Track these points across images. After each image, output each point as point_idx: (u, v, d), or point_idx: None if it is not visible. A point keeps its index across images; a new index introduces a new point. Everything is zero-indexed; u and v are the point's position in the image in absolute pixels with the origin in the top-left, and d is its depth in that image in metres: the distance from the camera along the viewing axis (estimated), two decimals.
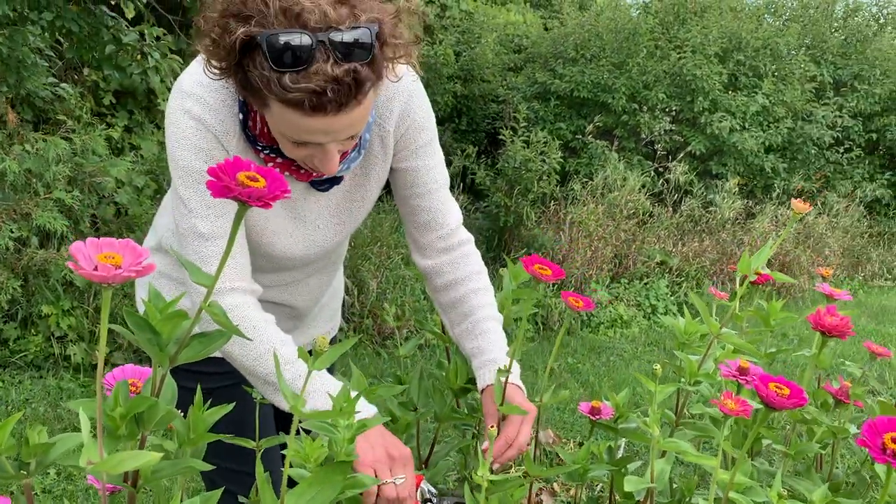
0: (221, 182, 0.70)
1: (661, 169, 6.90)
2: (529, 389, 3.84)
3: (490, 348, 1.26)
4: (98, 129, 4.69)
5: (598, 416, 1.36)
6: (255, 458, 1.15)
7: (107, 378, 0.89)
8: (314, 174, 1.19)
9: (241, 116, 1.13)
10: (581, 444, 3.12)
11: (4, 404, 3.38)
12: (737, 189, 6.77)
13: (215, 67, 1.01)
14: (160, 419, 0.79)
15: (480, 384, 1.25)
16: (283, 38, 0.92)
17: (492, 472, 1.06)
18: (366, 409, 1.11)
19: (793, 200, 1.16)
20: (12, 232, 3.56)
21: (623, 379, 4.16)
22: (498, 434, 1.19)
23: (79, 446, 0.86)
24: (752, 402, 1.10)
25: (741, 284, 1.18)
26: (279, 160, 1.16)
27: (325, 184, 1.24)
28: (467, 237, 1.36)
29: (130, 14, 4.68)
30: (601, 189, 6.24)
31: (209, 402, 0.89)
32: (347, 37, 0.94)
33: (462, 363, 1.30)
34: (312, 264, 1.36)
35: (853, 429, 1.33)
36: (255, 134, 1.14)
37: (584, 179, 6.47)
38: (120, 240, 0.67)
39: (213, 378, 1.29)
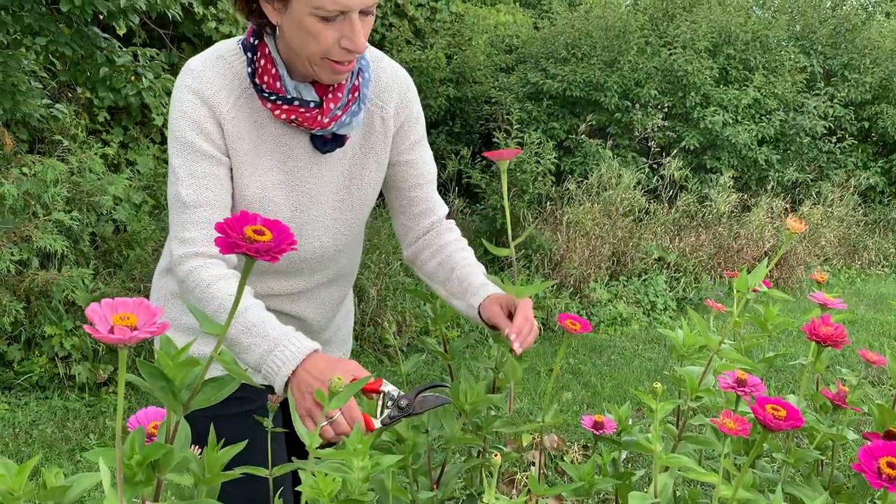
0: (229, 238, 0.72)
1: (655, 165, 6.93)
2: (532, 393, 3.84)
3: (479, 281, 1.36)
4: (94, 147, 4.71)
5: (601, 431, 1.39)
6: (269, 485, 1.17)
7: (130, 421, 0.91)
8: (319, 120, 1.25)
9: (248, 70, 1.23)
10: (585, 448, 3.15)
11: (11, 427, 3.40)
12: (731, 182, 6.80)
13: None
14: (176, 464, 0.82)
15: (478, 301, 1.32)
16: None
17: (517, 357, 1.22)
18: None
19: (787, 220, 1.18)
20: (13, 255, 3.58)
21: (625, 378, 4.19)
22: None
23: (95, 487, 0.89)
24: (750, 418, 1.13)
25: (738, 302, 1.21)
26: (285, 107, 1.24)
27: (330, 144, 1.30)
28: (452, 223, 1.48)
29: (122, 31, 4.70)
30: (597, 187, 6.27)
31: (222, 437, 0.91)
32: None
33: (472, 383, 1.31)
34: (320, 269, 1.40)
35: (852, 434, 1.36)
36: (263, 84, 1.23)
37: (580, 178, 6.50)
38: (133, 299, 0.70)
39: (226, 405, 1.32)
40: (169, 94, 3.91)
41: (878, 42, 7.87)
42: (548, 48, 7.77)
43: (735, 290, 1.30)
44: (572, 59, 7.39)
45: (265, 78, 1.23)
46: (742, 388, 1.29)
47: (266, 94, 1.24)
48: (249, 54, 1.24)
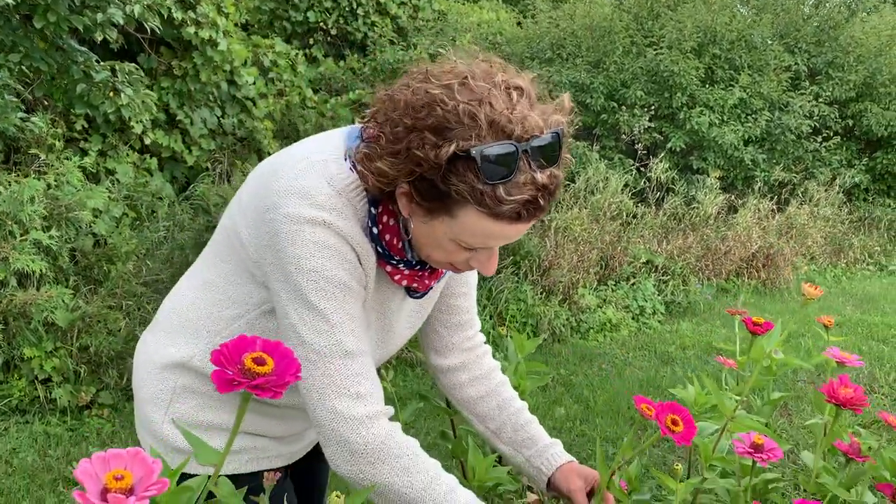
0: (225, 374, 0.65)
1: (641, 167, 6.89)
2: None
3: (544, 435, 1.29)
4: (73, 159, 4.58)
5: None
6: None
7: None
8: (430, 282, 1.17)
9: (374, 230, 1.06)
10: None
11: None
12: (718, 183, 6.78)
13: (387, 179, 0.98)
14: None
15: (553, 464, 1.26)
16: (496, 152, 0.91)
17: None
18: None
19: (803, 285, 1.14)
20: None
21: (616, 391, 4.15)
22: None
23: None
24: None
25: (755, 371, 1.16)
26: (406, 272, 1.12)
27: (421, 291, 1.21)
28: (483, 337, 1.38)
29: (100, 38, 4.57)
30: (584, 191, 6.22)
31: None
32: (545, 143, 0.94)
33: (479, 458, 1.25)
34: None
35: (871, 498, 1.32)
36: (385, 243, 1.08)
37: (567, 182, 6.45)
38: (129, 449, 0.62)
39: None
40: (149, 110, 3.80)
41: (861, 39, 7.89)
42: (532, 48, 7.71)
43: (750, 359, 1.26)
44: (557, 60, 7.34)
45: (386, 237, 1.07)
46: (759, 454, 1.24)
47: (394, 262, 1.09)
48: (373, 209, 1.05)
